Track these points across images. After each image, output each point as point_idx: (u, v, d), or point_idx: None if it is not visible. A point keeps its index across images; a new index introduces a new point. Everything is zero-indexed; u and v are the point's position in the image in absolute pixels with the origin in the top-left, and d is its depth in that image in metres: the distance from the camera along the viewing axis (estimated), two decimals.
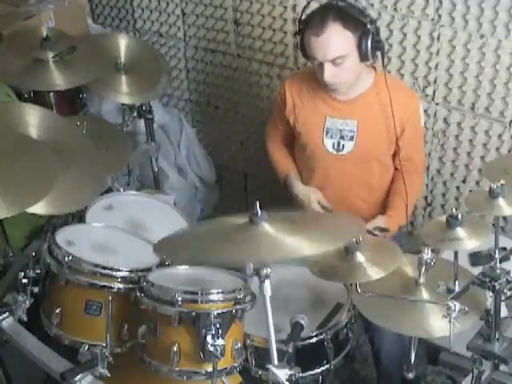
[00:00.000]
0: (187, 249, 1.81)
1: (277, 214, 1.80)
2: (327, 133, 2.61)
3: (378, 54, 2.46)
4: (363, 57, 2.43)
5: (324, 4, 2.47)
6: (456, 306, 1.83)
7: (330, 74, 2.44)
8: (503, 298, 1.88)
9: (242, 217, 1.78)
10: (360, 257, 1.99)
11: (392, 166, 2.69)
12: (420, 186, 2.87)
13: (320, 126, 2.61)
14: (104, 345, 2.05)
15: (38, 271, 2.17)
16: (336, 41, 2.39)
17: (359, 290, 2.00)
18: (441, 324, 1.88)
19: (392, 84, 2.54)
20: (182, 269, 2.18)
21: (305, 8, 2.48)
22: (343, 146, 2.60)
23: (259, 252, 1.70)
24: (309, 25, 2.44)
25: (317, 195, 2.69)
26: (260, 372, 2.16)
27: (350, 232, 1.89)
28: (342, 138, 2.60)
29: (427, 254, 1.94)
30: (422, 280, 1.98)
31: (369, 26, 2.39)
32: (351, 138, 2.59)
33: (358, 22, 2.39)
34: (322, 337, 2.16)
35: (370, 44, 2.40)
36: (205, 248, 1.76)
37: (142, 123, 3.24)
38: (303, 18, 2.47)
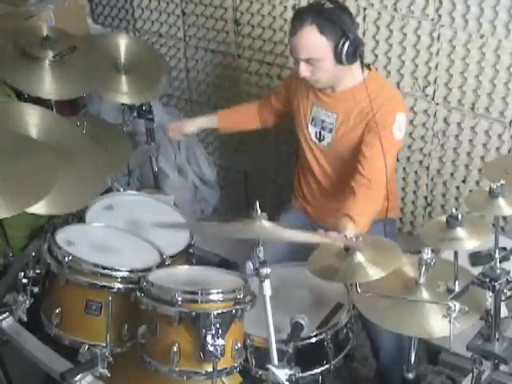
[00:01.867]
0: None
1: None
2: (312, 121, 2.67)
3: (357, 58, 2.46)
4: (339, 61, 2.44)
5: (311, 3, 2.52)
6: (456, 306, 1.83)
7: (303, 71, 2.49)
8: (503, 298, 1.88)
9: None
10: (360, 257, 1.99)
11: None
12: (376, 202, 2.55)
13: (307, 112, 2.68)
14: (104, 345, 2.05)
15: (38, 271, 2.17)
16: (308, 43, 2.43)
17: (359, 290, 2.00)
18: (441, 324, 1.88)
19: (379, 87, 2.55)
20: (182, 269, 2.18)
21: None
22: (323, 136, 2.65)
23: None
24: (291, 21, 2.49)
25: (185, 124, 2.98)
26: (260, 372, 2.16)
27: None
28: (323, 128, 2.64)
29: (427, 254, 1.94)
30: (422, 280, 1.98)
31: (347, 33, 2.39)
32: (330, 131, 2.62)
33: (336, 28, 2.40)
34: (321, 337, 2.16)
35: (346, 51, 2.41)
36: None
37: (142, 123, 3.24)
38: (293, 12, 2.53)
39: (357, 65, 2.50)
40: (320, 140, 2.66)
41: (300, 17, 2.45)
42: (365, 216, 2.41)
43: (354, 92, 2.55)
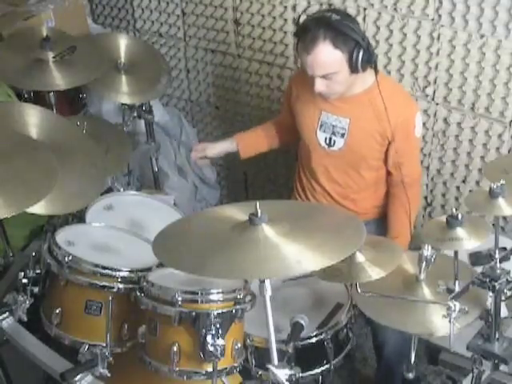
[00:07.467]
0: (185, 254, 1.78)
1: (275, 209, 1.79)
2: (321, 126, 2.64)
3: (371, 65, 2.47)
4: (354, 71, 2.44)
5: (317, 17, 2.44)
6: (456, 306, 1.83)
7: (320, 86, 2.47)
8: (503, 298, 1.88)
9: (243, 209, 1.78)
10: (360, 257, 1.99)
11: (383, 169, 2.67)
12: (417, 199, 2.80)
13: (315, 119, 2.65)
14: (104, 345, 2.05)
15: (38, 271, 2.17)
16: (325, 60, 2.41)
17: (359, 290, 2.00)
18: (442, 322, 1.88)
19: (391, 89, 2.55)
20: None
21: (302, 13, 2.47)
22: (334, 141, 2.63)
23: (258, 265, 1.67)
24: (301, 38, 2.45)
25: (208, 147, 2.92)
26: (260, 372, 2.16)
27: (353, 241, 1.80)
28: (333, 133, 2.62)
29: (427, 251, 1.94)
30: (422, 276, 1.98)
31: (360, 42, 2.39)
32: (342, 136, 2.60)
33: (348, 39, 2.38)
34: (322, 337, 2.16)
35: (361, 60, 2.41)
36: (203, 255, 1.73)
37: (142, 123, 3.24)
38: (299, 26, 2.47)
39: (368, 69, 2.49)
40: (330, 145, 2.64)
41: (310, 33, 2.39)
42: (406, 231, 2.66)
43: (368, 95, 2.54)
